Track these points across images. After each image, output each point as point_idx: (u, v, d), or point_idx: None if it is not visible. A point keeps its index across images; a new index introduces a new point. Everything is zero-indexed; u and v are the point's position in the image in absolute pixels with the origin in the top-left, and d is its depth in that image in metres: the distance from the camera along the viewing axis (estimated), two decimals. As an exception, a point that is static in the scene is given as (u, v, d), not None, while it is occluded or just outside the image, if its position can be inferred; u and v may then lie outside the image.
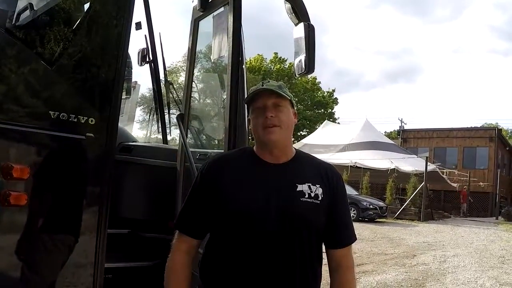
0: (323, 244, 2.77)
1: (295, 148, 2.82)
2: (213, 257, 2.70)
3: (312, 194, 2.63)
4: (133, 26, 4.57)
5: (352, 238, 2.83)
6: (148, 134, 8.12)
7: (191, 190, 2.82)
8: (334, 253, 2.76)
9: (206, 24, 5.11)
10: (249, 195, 2.59)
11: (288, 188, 2.63)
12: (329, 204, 2.68)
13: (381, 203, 28.57)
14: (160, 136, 6.77)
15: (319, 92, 60.77)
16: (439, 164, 37.04)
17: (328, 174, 2.77)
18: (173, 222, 3.00)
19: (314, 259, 2.70)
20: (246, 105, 2.79)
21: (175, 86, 6.82)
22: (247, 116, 2.78)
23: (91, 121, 3.13)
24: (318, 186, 2.67)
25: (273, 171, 2.67)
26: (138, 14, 6.24)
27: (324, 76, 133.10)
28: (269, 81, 2.75)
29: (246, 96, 4.26)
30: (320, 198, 2.64)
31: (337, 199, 2.75)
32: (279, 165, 2.69)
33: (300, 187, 2.63)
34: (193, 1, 5.13)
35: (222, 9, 4.65)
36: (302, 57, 4.22)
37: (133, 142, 5.81)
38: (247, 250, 2.55)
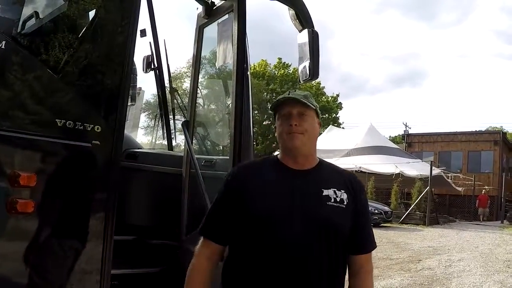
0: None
1: (318, 157, 2.85)
2: (236, 263, 2.71)
3: (338, 199, 2.67)
4: (138, 33, 4.60)
5: (374, 244, 2.88)
6: (153, 141, 8.14)
7: (216, 197, 2.86)
8: (356, 258, 2.80)
9: (211, 31, 5.13)
10: (274, 200, 2.62)
11: (314, 193, 2.66)
12: (353, 210, 2.71)
13: (386, 208, 28.54)
14: (165, 142, 6.78)
15: (324, 97, 60.66)
16: (443, 168, 36.92)
17: (351, 182, 2.81)
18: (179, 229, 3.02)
19: (340, 264, 2.72)
20: (273, 112, 2.81)
21: (180, 92, 6.83)
22: (273, 124, 2.82)
23: (97, 128, 3.15)
24: (343, 191, 2.70)
25: (297, 177, 2.70)
26: (143, 21, 6.26)
27: (330, 81, 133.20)
28: (295, 91, 2.80)
29: (250, 101, 4.28)
30: (345, 203, 2.68)
31: (360, 207, 2.78)
32: (304, 171, 2.73)
33: (325, 192, 2.66)
34: (197, 8, 5.15)
35: (226, 16, 4.67)
36: (306, 63, 4.23)
37: (138, 148, 5.83)
38: (273, 256, 2.56)
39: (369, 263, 2.85)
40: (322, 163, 2.84)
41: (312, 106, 2.73)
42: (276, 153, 2.91)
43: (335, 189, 2.68)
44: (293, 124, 2.65)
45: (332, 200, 2.65)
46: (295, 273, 2.54)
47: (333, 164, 3.00)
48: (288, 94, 2.76)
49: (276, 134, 2.81)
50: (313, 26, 4.38)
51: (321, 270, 2.59)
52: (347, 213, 2.68)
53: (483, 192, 36.46)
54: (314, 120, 2.76)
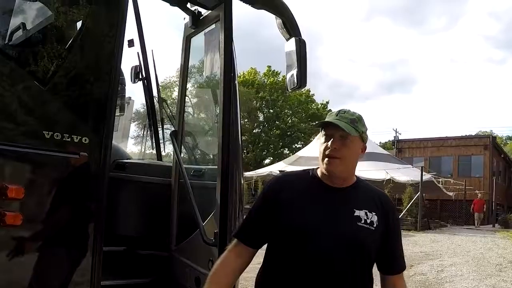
0: (375, 267, 2.87)
1: (356, 176, 2.90)
2: (268, 272, 2.79)
3: (368, 221, 2.71)
4: (126, 43, 4.59)
5: (404, 265, 2.96)
6: (143, 151, 8.12)
7: (253, 205, 2.95)
8: (389, 279, 2.90)
9: (198, 40, 5.13)
10: (307, 215, 2.68)
11: (346, 212, 2.71)
12: (383, 231, 2.76)
13: (377, 214, 28.50)
14: (154, 152, 6.77)
15: (313, 105, 60.80)
16: (434, 173, 36.99)
17: (384, 204, 2.86)
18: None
19: (366, 281, 2.77)
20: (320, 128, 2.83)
21: (169, 102, 6.82)
22: (317, 139, 2.85)
23: (85, 140, 3.14)
24: (374, 214, 2.74)
25: (333, 195, 2.76)
26: (131, 31, 6.26)
27: (319, 88, 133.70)
28: (345, 112, 2.79)
29: (238, 109, 4.28)
30: (375, 225, 2.72)
31: (392, 228, 2.84)
32: (339, 189, 2.77)
33: (357, 213, 2.71)
34: (184, 18, 5.15)
35: (213, 26, 4.67)
36: (294, 71, 4.25)
37: (127, 159, 5.81)
38: (301, 269, 2.62)
39: (402, 282, 2.93)
40: (359, 182, 2.90)
41: (356, 132, 2.72)
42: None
43: (367, 211, 2.73)
44: (332, 147, 2.67)
45: (363, 222, 2.69)
46: (321, 286, 2.61)
47: (370, 184, 3.05)
48: (337, 116, 2.76)
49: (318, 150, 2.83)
50: (300, 35, 4.40)
51: (346, 285, 2.65)
52: (376, 235, 2.73)
53: (478, 196, 36.18)
54: (357, 145, 2.77)
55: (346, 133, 2.67)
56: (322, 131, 2.78)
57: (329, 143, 2.68)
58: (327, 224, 2.64)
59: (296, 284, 2.62)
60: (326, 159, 2.69)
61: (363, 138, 2.80)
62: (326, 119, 2.77)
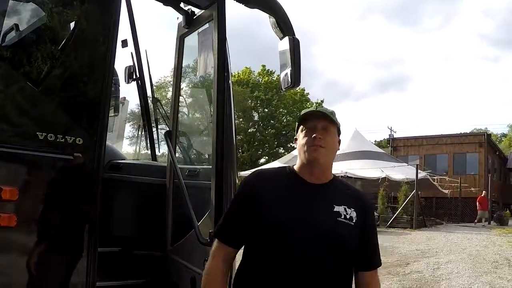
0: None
1: (333, 174, 2.93)
2: (247, 269, 2.79)
3: (348, 216, 2.75)
4: (119, 44, 4.58)
5: (380, 262, 2.98)
6: (137, 151, 8.12)
7: (231, 202, 3.03)
8: (364, 275, 2.91)
9: (192, 40, 5.13)
10: (287, 211, 2.69)
11: (325, 208, 2.74)
12: (361, 228, 2.80)
13: (373, 212, 28.50)
14: (149, 153, 6.76)
15: (308, 104, 60.81)
16: (429, 171, 37.06)
17: (361, 201, 2.91)
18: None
19: (346, 276, 2.82)
20: (297, 123, 2.90)
21: (163, 102, 6.84)
22: (295, 135, 2.87)
23: (79, 141, 3.14)
24: (353, 210, 2.78)
25: (311, 191, 2.79)
26: (124, 32, 6.24)
27: (315, 87, 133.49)
28: (322, 106, 2.96)
29: (232, 109, 4.28)
30: (354, 221, 2.76)
31: (369, 225, 2.89)
32: (318, 185, 2.81)
33: (337, 208, 2.75)
34: (178, 18, 5.15)
35: (207, 25, 4.67)
36: (288, 70, 4.25)
37: (122, 159, 5.81)
38: (281, 265, 2.63)
39: (376, 279, 2.95)
40: (336, 179, 2.94)
41: (336, 123, 2.85)
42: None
43: (346, 207, 2.77)
44: (317, 136, 2.72)
45: (342, 217, 2.73)
46: (301, 282, 2.61)
47: (346, 182, 3.13)
48: (316, 109, 2.85)
49: (297, 146, 2.88)
50: (293, 34, 4.40)
51: (327, 281, 2.68)
52: (355, 231, 2.76)
53: (483, 194, 35.50)
54: (336, 137, 2.87)
55: (328, 123, 2.79)
56: (302, 126, 2.84)
57: (314, 133, 2.73)
58: (306, 220, 2.66)
59: (277, 281, 2.62)
60: (312, 147, 2.72)
61: (339, 131, 2.91)
62: (307, 112, 2.85)
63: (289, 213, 2.68)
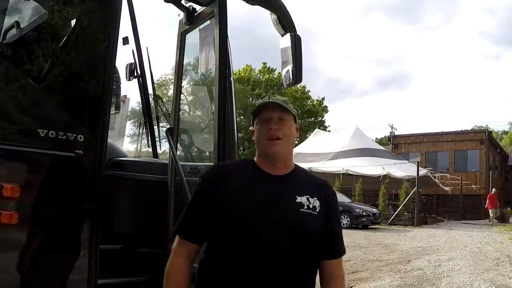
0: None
1: (294, 163, 2.90)
2: (211, 264, 2.74)
3: (311, 206, 2.73)
4: (120, 41, 4.58)
5: (344, 249, 2.95)
6: (139, 148, 8.11)
7: (192, 197, 2.90)
8: (328, 264, 2.86)
9: (193, 37, 5.12)
10: (250, 204, 2.65)
11: (288, 199, 2.72)
12: (325, 217, 2.77)
13: (374, 210, 28.54)
14: (150, 150, 6.76)
15: (309, 101, 60.85)
16: (430, 168, 37.03)
17: (324, 189, 2.89)
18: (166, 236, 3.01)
19: (312, 267, 2.79)
20: (252, 116, 2.86)
21: (164, 99, 6.83)
22: (251, 127, 2.85)
23: (80, 138, 3.13)
24: (316, 199, 2.76)
25: (273, 182, 2.75)
26: (125, 29, 6.24)
27: (316, 85, 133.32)
28: (275, 96, 2.88)
29: (234, 106, 4.28)
30: (317, 210, 2.74)
31: (332, 213, 2.85)
32: (279, 177, 2.78)
33: (299, 199, 2.72)
34: (179, 14, 5.14)
35: (208, 22, 4.66)
36: (289, 67, 4.24)
37: (123, 157, 5.80)
38: (246, 258, 2.59)
39: (340, 269, 2.92)
40: (297, 169, 2.90)
41: (291, 111, 2.80)
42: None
43: (308, 196, 2.75)
44: (273, 128, 2.70)
45: (305, 207, 2.71)
46: (268, 275, 2.58)
47: (308, 171, 3.09)
48: (269, 99, 2.81)
49: (254, 139, 2.84)
50: (295, 30, 4.39)
51: (293, 273, 2.65)
52: (319, 220, 2.74)
53: (493, 191, 34.53)
54: (293, 125, 2.82)
55: (283, 113, 2.76)
56: (257, 118, 2.80)
57: (269, 125, 2.71)
58: (270, 213, 2.63)
59: (243, 274, 2.59)
60: (269, 141, 2.70)
61: (295, 118, 2.88)
62: (260, 104, 2.82)
63: (251, 206, 2.64)
